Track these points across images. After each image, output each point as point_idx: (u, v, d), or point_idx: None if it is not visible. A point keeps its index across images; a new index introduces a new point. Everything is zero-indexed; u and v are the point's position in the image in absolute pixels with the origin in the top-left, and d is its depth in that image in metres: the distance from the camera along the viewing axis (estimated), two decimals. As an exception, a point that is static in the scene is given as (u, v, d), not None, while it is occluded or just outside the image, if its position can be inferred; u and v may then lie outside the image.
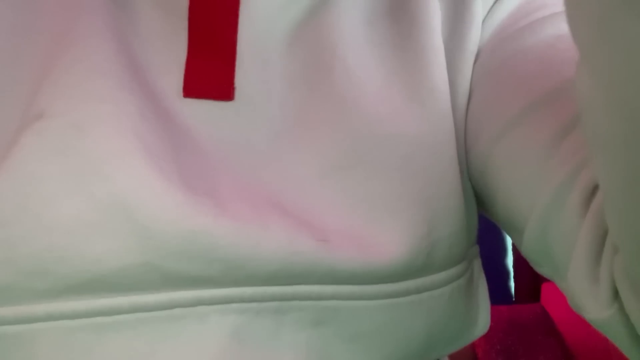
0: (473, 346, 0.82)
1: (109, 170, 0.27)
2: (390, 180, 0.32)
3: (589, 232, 0.26)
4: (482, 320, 0.38)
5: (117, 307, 0.28)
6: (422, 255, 0.31)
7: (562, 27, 0.33)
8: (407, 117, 0.33)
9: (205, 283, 0.29)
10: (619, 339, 0.26)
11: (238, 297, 0.29)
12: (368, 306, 0.31)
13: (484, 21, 0.36)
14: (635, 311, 0.23)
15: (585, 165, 0.27)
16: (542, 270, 0.32)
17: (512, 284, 0.98)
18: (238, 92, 0.32)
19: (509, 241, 0.96)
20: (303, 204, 0.31)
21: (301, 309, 0.30)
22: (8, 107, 0.28)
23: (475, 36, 0.35)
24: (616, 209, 0.21)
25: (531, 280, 0.95)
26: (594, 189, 0.27)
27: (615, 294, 0.25)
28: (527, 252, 0.32)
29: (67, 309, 0.27)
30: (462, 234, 0.33)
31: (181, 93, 0.31)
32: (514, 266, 0.98)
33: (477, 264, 0.38)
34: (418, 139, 0.32)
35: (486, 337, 0.81)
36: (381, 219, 0.31)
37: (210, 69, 0.31)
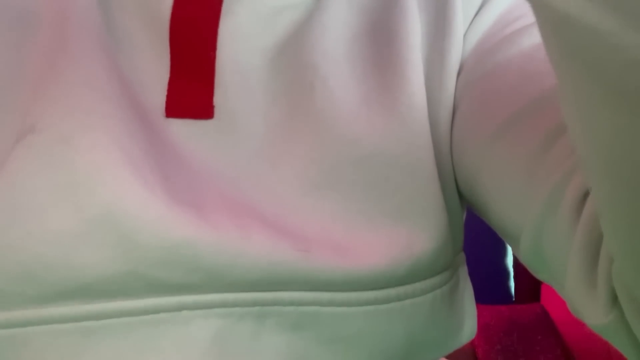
0: (473, 346, 0.82)
1: (94, 182, 0.28)
2: (368, 200, 0.32)
3: (583, 238, 0.26)
4: (467, 327, 0.38)
5: (104, 312, 0.29)
6: (403, 268, 0.32)
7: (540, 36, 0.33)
8: (385, 136, 0.33)
9: (189, 290, 0.30)
10: (621, 344, 0.25)
11: (220, 303, 0.30)
12: (349, 312, 0.32)
13: (465, 35, 0.36)
14: (635, 321, 0.23)
15: (574, 172, 0.27)
16: (541, 276, 0.32)
17: (512, 284, 0.98)
18: (219, 110, 0.32)
19: (509, 241, 0.96)
20: (284, 217, 0.31)
21: (282, 313, 0.31)
22: (6, 122, 0.29)
23: (456, 51, 0.35)
24: (616, 231, 0.21)
25: (531, 280, 0.96)
26: (585, 195, 0.27)
27: (614, 300, 0.25)
28: (524, 260, 0.32)
29: (57, 314, 0.28)
30: (446, 246, 0.34)
31: (164, 112, 0.32)
32: (514, 266, 0.98)
33: (463, 271, 0.38)
34: (395, 157, 0.33)
35: (486, 337, 0.81)
36: (360, 233, 0.32)
37: (191, 88, 0.32)
